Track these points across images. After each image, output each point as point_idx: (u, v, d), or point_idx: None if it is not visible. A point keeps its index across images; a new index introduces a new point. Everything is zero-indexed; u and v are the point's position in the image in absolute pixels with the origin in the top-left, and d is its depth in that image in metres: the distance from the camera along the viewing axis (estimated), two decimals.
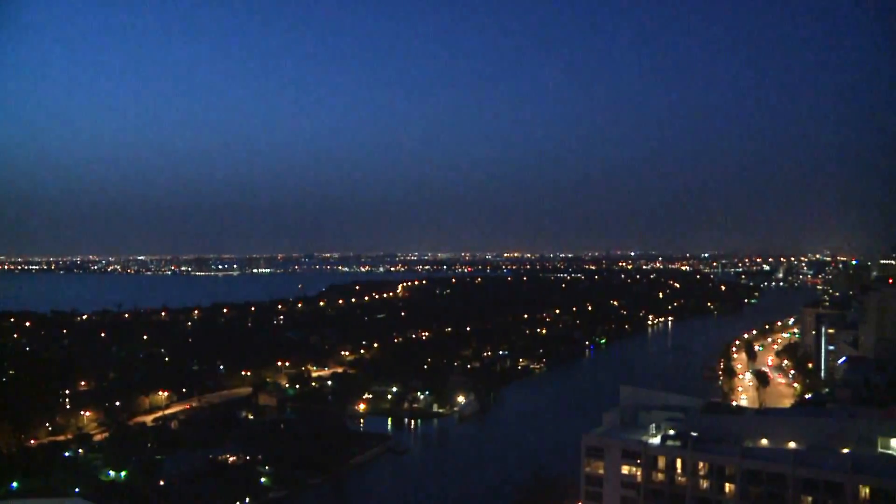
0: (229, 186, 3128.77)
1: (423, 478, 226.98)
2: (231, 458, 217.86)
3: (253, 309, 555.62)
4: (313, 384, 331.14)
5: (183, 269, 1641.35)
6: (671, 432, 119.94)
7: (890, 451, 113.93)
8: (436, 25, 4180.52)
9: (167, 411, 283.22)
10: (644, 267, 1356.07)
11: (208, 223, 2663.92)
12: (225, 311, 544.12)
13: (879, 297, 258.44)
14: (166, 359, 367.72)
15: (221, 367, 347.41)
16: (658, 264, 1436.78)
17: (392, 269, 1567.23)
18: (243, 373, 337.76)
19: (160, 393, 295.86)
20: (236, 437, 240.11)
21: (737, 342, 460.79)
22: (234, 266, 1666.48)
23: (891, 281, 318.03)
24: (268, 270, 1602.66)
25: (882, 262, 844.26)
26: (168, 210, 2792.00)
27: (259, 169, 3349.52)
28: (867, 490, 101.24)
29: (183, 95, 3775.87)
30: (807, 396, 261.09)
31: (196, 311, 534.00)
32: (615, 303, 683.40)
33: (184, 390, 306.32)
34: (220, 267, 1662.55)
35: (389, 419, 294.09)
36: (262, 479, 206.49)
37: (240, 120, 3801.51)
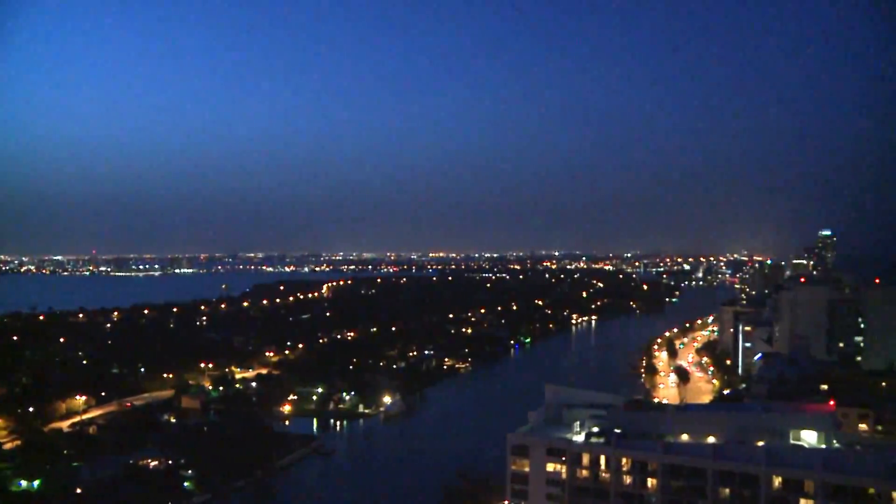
0: (150, 185, 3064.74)
1: (350, 479, 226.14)
2: (153, 463, 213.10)
3: (175, 310, 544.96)
4: (237, 386, 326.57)
5: (102, 269, 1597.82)
6: (595, 430, 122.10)
7: (801, 443, 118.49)
8: (361, 25, 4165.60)
9: (85, 416, 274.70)
10: (568, 267, 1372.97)
11: (128, 222, 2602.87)
12: (146, 312, 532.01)
13: (792, 295, 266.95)
14: (84, 362, 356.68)
15: (142, 369, 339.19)
16: (582, 264, 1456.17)
17: (317, 268, 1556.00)
18: (165, 375, 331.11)
19: (77, 397, 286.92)
20: (158, 441, 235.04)
21: (658, 340, 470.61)
22: (156, 266, 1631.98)
23: (802, 280, 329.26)
24: (191, 270, 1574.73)
25: (795, 261, 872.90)
26: (86, 208, 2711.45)
27: (181, 167, 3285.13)
28: (779, 480, 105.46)
29: (97, 90, 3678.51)
30: (725, 392, 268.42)
31: (115, 313, 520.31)
32: (540, 302, 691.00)
33: (103, 394, 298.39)
34: (140, 267, 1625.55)
35: (315, 420, 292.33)
36: (185, 484, 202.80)
37: (160, 117, 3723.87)
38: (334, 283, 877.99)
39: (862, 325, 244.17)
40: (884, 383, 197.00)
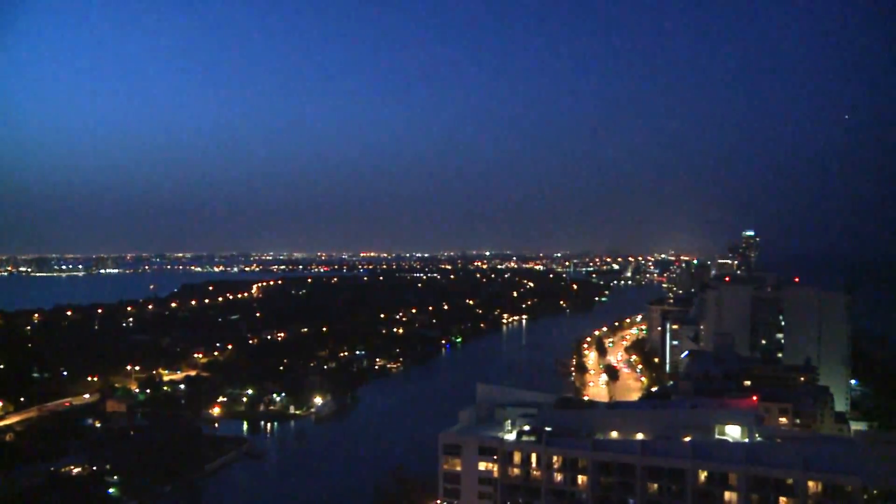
0: (73, 181, 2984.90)
1: (280, 481, 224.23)
2: (75, 470, 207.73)
3: (100, 311, 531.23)
4: (165, 388, 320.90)
5: (22, 269, 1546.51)
6: (526, 428, 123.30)
7: (725, 437, 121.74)
8: (296, 21, 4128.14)
9: (2, 423, 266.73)
10: (499, 266, 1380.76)
11: (50, 221, 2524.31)
12: (69, 313, 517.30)
13: (717, 294, 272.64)
14: (1, 366, 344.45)
15: (65, 373, 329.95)
16: (513, 264, 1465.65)
17: (247, 268, 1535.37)
18: (90, 378, 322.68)
19: None
20: (81, 447, 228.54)
21: (588, 339, 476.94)
22: (80, 266, 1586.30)
23: (727, 279, 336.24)
24: (116, 270, 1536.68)
25: (720, 261, 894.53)
26: (3, 206, 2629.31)
27: (106, 165, 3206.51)
28: (705, 474, 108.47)
29: (23, 83, 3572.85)
30: (653, 389, 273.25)
31: (36, 315, 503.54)
32: (471, 302, 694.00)
33: (22, 399, 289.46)
34: (63, 267, 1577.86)
35: (245, 422, 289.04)
36: (110, 490, 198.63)
37: (84, 113, 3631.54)
38: (264, 284, 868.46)
39: (783, 323, 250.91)
40: (802, 378, 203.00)
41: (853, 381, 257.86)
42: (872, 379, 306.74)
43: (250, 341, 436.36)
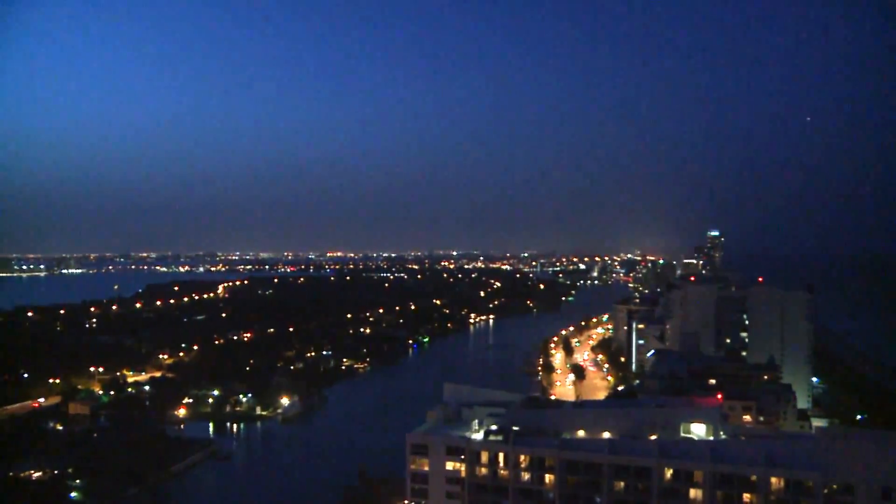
0: (34, 181, 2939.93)
1: (247, 482, 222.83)
2: (36, 474, 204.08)
3: (62, 312, 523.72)
4: (130, 390, 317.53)
5: None
6: (493, 427, 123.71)
7: (691, 436, 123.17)
8: (247, 23, 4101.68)
9: None
10: (466, 266, 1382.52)
11: (9, 220, 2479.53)
12: (30, 314, 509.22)
13: (682, 293, 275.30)
14: None
15: (25, 375, 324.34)
16: (480, 263, 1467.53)
17: (213, 268, 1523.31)
18: (51, 381, 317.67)
19: None
20: (42, 451, 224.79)
21: (555, 339, 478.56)
22: (41, 266, 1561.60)
23: (692, 279, 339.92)
24: (79, 271, 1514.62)
25: (685, 261, 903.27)
26: None
27: (68, 163, 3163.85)
28: (671, 472, 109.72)
29: None
30: (619, 388, 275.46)
31: None
32: (438, 302, 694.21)
33: None
34: (24, 267, 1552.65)
35: (211, 423, 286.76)
36: (72, 494, 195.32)
37: (42, 112, 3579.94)
38: (230, 284, 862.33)
39: (747, 322, 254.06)
40: (766, 376, 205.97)
41: (815, 379, 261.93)
42: (833, 376, 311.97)
43: (216, 342, 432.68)
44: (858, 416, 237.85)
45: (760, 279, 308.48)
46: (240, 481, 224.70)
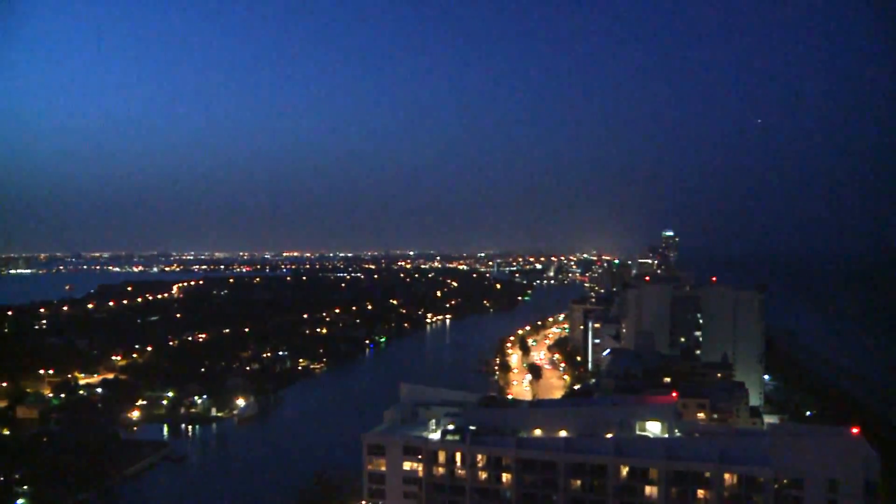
0: None
1: (202, 485, 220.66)
2: None
3: (10, 313, 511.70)
4: (81, 392, 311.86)
5: None
6: (450, 427, 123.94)
7: (646, 433, 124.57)
8: (201, 21, 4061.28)
9: None
10: (423, 266, 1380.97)
11: None
12: None
13: (637, 293, 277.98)
14: None
15: None
16: (437, 263, 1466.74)
17: (167, 268, 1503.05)
18: None
19: None
20: None
21: (511, 338, 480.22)
22: None
23: (647, 278, 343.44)
24: (28, 271, 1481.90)
25: (640, 260, 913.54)
26: None
27: (15, 160, 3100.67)
28: (626, 469, 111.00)
29: None
30: (576, 387, 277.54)
31: None
32: (394, 302, 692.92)
33: None
34: None
35: (166, 426, 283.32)
36: (20, 501, 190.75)
37: None
38: (185, 284, 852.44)
39: (700, 321, 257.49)
40: (719, 374, 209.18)
41: (766, 377, 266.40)
42: (784, 373, 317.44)
43: (171, 343, 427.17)
44: (808, 413, 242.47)
45: (714, 279, 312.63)
46: (195, 483, 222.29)
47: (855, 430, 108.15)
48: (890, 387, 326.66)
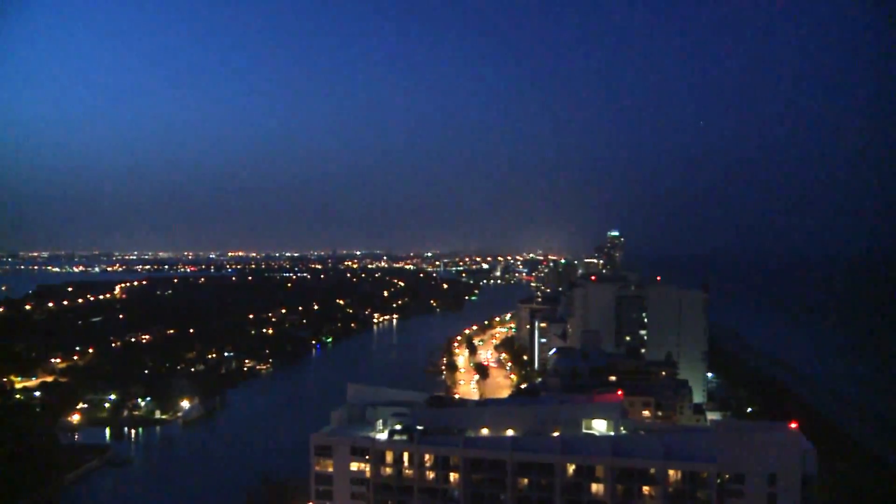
0: None
1: (146, 488, 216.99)
2: None
3: None
4: (18, 396, 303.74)
5: None
6: (398, 427, 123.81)
7: (593, 431, 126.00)
8: (148, 18, 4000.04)
9: None
10: (370, 266, 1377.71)
11: None
12: None
13: (583, 292, 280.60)
14: None
15: None
16: (383, 263, 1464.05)
17: (109, 269, 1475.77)
18: None
19: None
20: None
21: (459, 338, 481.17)
22: None
23: (593, 278, 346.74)
24: None
25: (586, 260, 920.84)
26: None
27: None
28: (573, 467, 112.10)
29: None
30: (522, 386, 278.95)
31: None
32: (341, 302, 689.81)
33: None
34: None
35: (108, 429, 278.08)
36: None
37: None
38: (128, 284, 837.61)
39: (645, 320, 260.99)
40: (663, 372, 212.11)
41: (710, 374, 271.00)
42: (726, 371, 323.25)
43: (113, 344, 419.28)
44: (749, 409, 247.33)
45: (659, 278, 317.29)
46: (138, 488, 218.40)
47: (793, 425, 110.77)
48: (826, 382, 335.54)
